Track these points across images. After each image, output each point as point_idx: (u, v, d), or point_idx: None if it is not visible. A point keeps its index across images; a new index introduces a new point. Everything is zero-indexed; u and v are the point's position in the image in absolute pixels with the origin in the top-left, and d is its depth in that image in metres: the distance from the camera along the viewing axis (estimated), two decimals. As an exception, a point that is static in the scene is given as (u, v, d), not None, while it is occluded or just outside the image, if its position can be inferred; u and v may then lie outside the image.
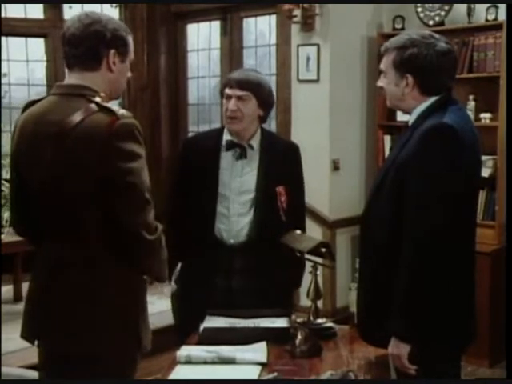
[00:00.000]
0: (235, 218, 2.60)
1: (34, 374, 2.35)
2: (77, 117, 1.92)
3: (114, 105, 2.03)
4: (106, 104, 1.95)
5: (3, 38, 5.79)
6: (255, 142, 2.64)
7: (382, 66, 2.20)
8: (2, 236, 4.39)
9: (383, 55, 2.19)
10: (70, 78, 2.04)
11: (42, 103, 2.04)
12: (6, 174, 5.60)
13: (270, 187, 2.61)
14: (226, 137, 2.64)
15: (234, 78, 2.60)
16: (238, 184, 2.61)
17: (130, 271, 1.98)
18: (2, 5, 5.65)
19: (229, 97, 2.57)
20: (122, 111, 1.95)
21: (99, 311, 1.96)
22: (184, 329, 2.48)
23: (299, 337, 2.20)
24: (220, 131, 2.70)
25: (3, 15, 5.69)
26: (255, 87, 2.58)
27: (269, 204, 2.61)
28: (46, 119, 1.97)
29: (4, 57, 5.84)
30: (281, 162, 2.65)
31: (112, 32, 2.00)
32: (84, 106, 1.94)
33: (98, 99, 1.96)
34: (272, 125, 5.39)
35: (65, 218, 1.96)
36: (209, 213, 2.58)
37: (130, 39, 2.08)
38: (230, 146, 2.62)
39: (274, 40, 5.26)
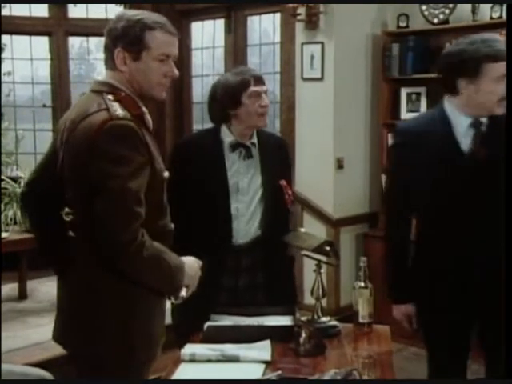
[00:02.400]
0: (245, 217, 2.60)
1: (37, 372, 2.36)
2: (82, 114, 1.91)
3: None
4: (110, 103, 1.90)
5: (8, 37, 5.82)
6: (255, 140, 2.65)
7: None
8: (7, 234, 4.40)
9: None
10: (104, 77, 2.04)
11: (78, 99, 2.08)
12: (11, 173, 5.63)
13: (275, 182, 2.63)
14: (228, 138, 2.60)
15: (255, 75, 2.58)
16: (246, 184, 2.61)
17: (123, 279, 1.92)
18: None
19: (257, 94, 2.53)
20: (118, 112, 1.87)
21: (91, 314, 1.97)
22: (184, 329, 2.45)
23: (303, 335, 2.20)
24: (214, 132, 2.64)
25: (8, 13, 5.71)
26: None
27: (277, 198, 2.62)
28: (70, 116, 1.99)
29: (8, 55, 5.86)
30: (278, 157, 2.69)
31: (120, 29, 1.94)
32: (96, 104, 1.91)
33: (109, 96, 1.92)
34: (276, 123, 5.39)
35: (72, 221, 1.97)
36: (223, 216, 2.56)
37: (152, 34, 1.94)
38: (235, 146, 2.61)
39: (278, 38, 5.26)
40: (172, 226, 2.10)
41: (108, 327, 1.95)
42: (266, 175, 2.63)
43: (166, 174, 2.00)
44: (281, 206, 2.63)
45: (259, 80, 2.56)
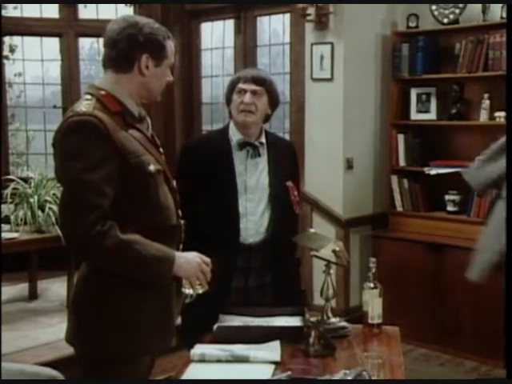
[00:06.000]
0: (253, 216, 2.60)
1: (49, 372, 2.37)
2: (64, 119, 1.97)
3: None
4: (81, 101, 1.96)
5: (19, 38, 5.86)
6: (263, 140, 2.67)
7: None
8: (17, 234, 4.42)
9: None
10: (100, 79, 2.09)
11: None
12: (22, 173, 5.66)
13: (281, 183, 2.65)
14: (236, 136, 2.63)
15: (248, 73, 2.64)
16: (254, 183, 2.62)
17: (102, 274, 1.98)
18: (19, 4, 5.72)
19: (243, 91, 2.59)
20: (81, 109, 1.92)
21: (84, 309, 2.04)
22: (194, 329, 2.45)
23: (313, 336, 2.20)
24: (224, 132, 2.68)
25: (19, 15, 5.76)
26: (268, 84, 2.63)
27: (283, 199, 2.64)
28: None
29: (19, 56, 5.91)
30: (285, 159, 2.72)
31: (146, 36, 2.01)
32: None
33: (87, 96, 1.98)
34: (286, 123, 5.39)
35: None
36: (230, 213, 2.57)
37: (169, 44, 2.07)
38: (243, 145, 2.63)
39: (287, 38, 5.26)
40: (178, 222, 2.12)
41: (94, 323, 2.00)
42: (273, 175, 2.65)
43: (152, 167, 2.00)
44: (288, 207, 2.65)
45: (250, 79, 2.60)
